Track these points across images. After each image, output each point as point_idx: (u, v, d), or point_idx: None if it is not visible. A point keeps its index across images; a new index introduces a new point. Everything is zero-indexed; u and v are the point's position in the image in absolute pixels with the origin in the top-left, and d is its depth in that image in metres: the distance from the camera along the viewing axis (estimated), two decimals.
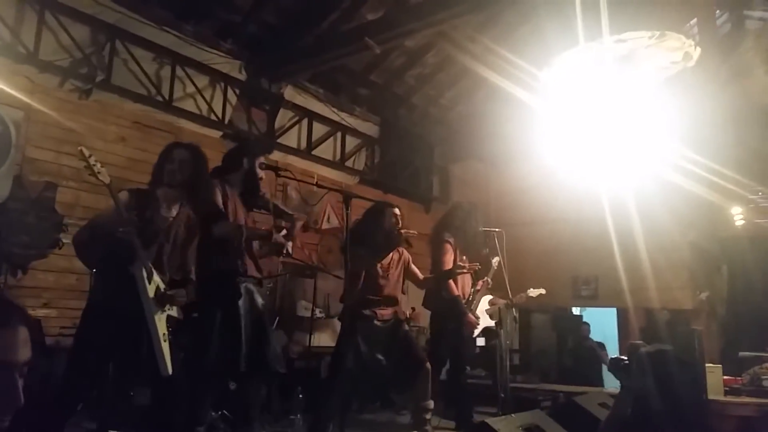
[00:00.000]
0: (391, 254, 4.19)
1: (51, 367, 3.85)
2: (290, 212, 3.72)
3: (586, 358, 7.97)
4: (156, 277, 2.82)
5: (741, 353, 5.43)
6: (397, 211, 4.18)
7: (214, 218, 3.20)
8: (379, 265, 4.10)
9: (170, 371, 2.73)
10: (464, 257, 4.87)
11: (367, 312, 3.98)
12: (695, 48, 4.55)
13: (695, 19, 6.18)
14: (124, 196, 2.89)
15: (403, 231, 4.13)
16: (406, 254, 4.37)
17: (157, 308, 2.77)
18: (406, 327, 4.18)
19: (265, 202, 3.55)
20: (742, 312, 6.88)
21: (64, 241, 4.72)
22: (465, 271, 4.58)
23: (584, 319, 8.78)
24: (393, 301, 4.14)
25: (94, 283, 2.96)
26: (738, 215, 6.63)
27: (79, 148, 2.65)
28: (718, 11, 6.57)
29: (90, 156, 2.63)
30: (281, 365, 3.35)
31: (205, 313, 3.18)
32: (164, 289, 2.84)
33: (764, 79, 5.94)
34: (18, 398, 3.42)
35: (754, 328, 6.61)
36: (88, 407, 3.52)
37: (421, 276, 4.51)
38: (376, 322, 4.01)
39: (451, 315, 4.66)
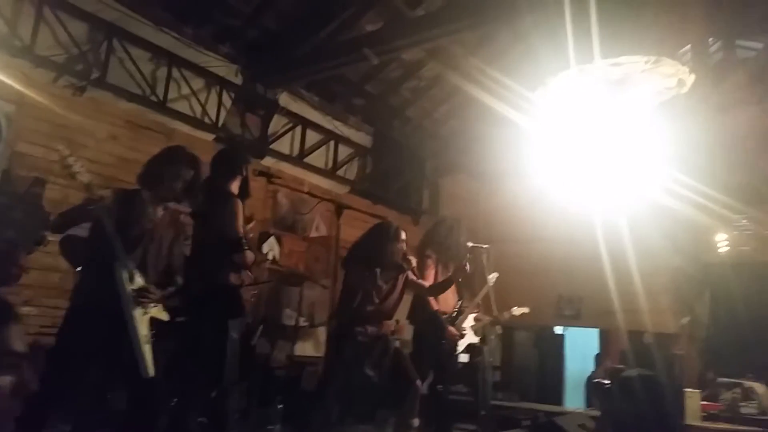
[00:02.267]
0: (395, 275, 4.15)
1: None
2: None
3: None
4: (139, 279, 2.79)
5: (719, 379, 5.49)
6: (403, 235, 4.15)
7: (237, 247, 3.18)
8: (376, 289, 4.04)
9: (152, 373, 2.70)
10: (447, 272, 4.89)
11: (359, 328, 3.93)
12: (689, 74, 4.61)
13: (689, 46, 6.27)
14: (109, 195, 2.87)
15: (411, 259, 4.11)
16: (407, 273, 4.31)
17: (139, 309, 2.74)
18: (397, 344, 4.15)
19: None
20: (723, 338, 6.95)
21: (50, 238, 4.67)
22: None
23: (566, 339, 8.81)
24: (387, 318, 4.12)
25: (78, 282, 2.92)
26: (723, 242, 6.71)
27: (58, 147, 2.62)
28: (711, 39, 6.67)
29: (69, 155, 2.61)
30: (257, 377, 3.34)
31: (198, 322, 3.15)
32: (146, 290, 2.81)
33: (753, 108, 6.04)
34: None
35: (734, 355, 6.67)
36: (64, 409, 3.47)
37: (424, 284, 4.48)
38: (366, 338, 3.96)
39: (431, 329, 4.67)
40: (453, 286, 4.89)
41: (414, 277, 4.34)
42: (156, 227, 2.97)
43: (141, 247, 2.89)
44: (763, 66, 6.29)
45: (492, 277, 4.99)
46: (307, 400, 4.68)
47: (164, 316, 2.96)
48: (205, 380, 3.08)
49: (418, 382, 4.05)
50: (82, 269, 2.96)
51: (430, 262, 4.73)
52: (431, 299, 4.63)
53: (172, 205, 3.06)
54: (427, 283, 4.62)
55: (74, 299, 2.87)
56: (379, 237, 4.08)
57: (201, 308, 3.19)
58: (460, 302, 4.91)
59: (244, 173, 3.43)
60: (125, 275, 2.71)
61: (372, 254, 3.96)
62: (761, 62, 6.31)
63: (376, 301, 4.02)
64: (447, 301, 4.83)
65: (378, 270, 3.95)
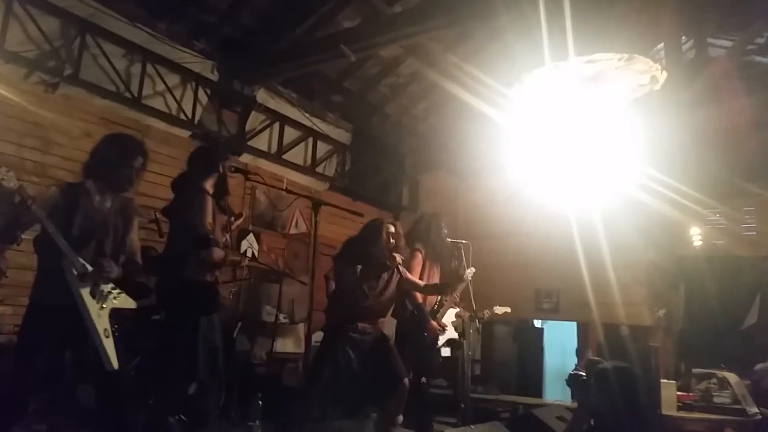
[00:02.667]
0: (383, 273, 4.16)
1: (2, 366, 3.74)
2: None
3: None
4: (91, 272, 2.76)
5: (694, 370, 5.60)
6: (392, 229, 4.16)
7: (204, 244, 3.15)
8: (368, 282, 4.06)
9: (116, 366, 2.68)
10: (435, 267, 4.93)
11: (351, 325, 3.96)
12: (662, 72, 4.69)
13: (662, 44, 6.37)
14: (53, 192, 2.84)
15: (396, 256, 4.11)
16: (400, 269, 4.30)
17: (94, 303, 2.72)
18: (389, 341, 4.16)
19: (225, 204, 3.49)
20: (698, 330, 7.09)
21: (23, 237, 4.59)
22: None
23: (545, 332, 8.91)
24: (379, 315, 4.14)
25: (35, 281, 2.87)
26: (696, 235, 6.84)
27: None
28: (684, 37, 6.79)
29: None
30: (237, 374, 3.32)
31: (170, 319, 3.13)
32: (101, 283, 2.79)
33: (724, 105, 6.15)
34: None
35: (707, 346, 6.81)
36: (39, 409, 3.43)
37: (419, 282, 4.50)
38: (358, 335, 3.98)
39: (414, 323, 4.70)
40: (436, 280, 4.94)
41: (409, 276, 4.36)
42: (108, 218, 2.93)
43: (94, 240, 2.84)
44: (733, 63, 6.41)
45: (469, 272, 5.03)
46: (289, 396, 4.69)
47: (130, 304, 2.92)
48: (178, 377, 3.05)
49: (406, 380, 4.06)
50: (37, 268, 2.90)
51: (419, 254, 4.78)
52: (417, 293, 4.67)
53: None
54: (415, 276, 4.65)
55: (31, 298, 2.83)
56: (369, 235, 4.09)
57: (173, 305, 3.17)
58: (439, 297, 4.96)
59: (222, 171, 3.39)
60: (74, 273, 2.68)
61: (360, 252, 3.97)
62: (732, 60, 6.42)
63: (368, 297, 4.02)
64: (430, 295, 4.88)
65: (365, 267, 3.96)
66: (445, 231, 5.03)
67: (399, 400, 4.01)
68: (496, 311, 5.37)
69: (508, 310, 5.55)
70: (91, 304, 2.71)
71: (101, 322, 2.72)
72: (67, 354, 2.81)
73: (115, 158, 2.95)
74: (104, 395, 2.84)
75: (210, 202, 3.22)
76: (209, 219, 3.18)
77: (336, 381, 3.81)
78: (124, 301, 2.90)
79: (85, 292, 2.71)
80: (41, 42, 4.85)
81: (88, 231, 2.82)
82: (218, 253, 3.19)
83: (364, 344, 3.98)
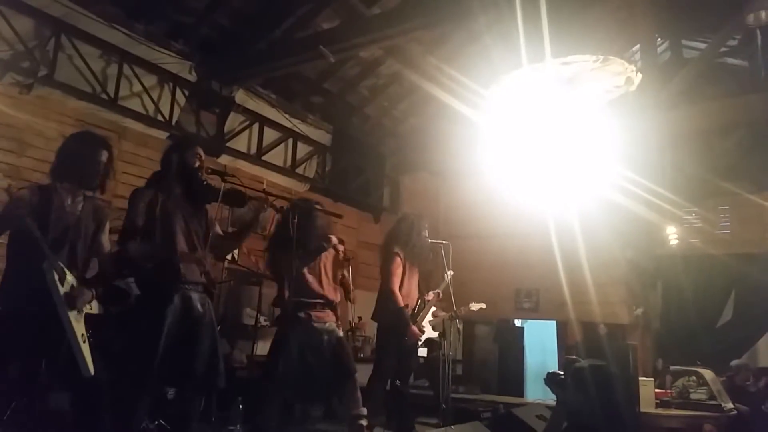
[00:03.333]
0: (320, 256, 4.10)
1: None
2: (257, 196, 3.38)
3: None
4: (69, 277, 2.73)
5: (672, 367, 5.68)
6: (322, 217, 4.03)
7: (125, 238, 3.07)
8: (307, 268, 3.99)
9: (92, 372, 2.65)
10: (414, 269, 4.93)
11: (301, 314, 3.89)
12: (637, 73, 4.75)
13: (638, 46, 6.46)
14: (24, 194, 2.77)
15: (332, 237, 4.05)
16: (332, 252, 4.21)
17: (72, 308, 2.68)
18: (340, 333, 4.08)
19: (214, 193, 3.27)
20: (675, 327, 7.20)
21: None
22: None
23: (525, 331, 8.97)
24: (329, 305, 4.06)
25: (3, 284, 2.79)
26: (673, 234, 6.94)
27: None
28: (659, 39, 6.89)
29: None
30: (218, 377, 3.21)
31: (139, 320, 3.08)
32: (78, 287, 2.75)
33: (699, 106, 6.25)
34: None
35: (683, 343, 6.92)
36: (16, 414, 3.37)
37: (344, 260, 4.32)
38: (312, 324, 3.92)
39: (396, 326, 4.70)
40: (415, 282, 4.94)
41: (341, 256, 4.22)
42: (80, 220, 2.89)
43: (68, 243, 2.81)
44: (707, 65, 6.52)
45: (448, 274, 5.06)
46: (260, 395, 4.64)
47: (95, 309, 2.88)
48: (150, 381, 3.00)
49: (356, 374, 4.04)
50: (6, 270, 2.82)
51: (398, 259, 4.76)
52: (397, 294, 4.66)
53: (89, 194, 2.98)
54: (395, 280, 4.65)
55: (2, 303, 2.75)
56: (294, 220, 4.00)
57: (143, 308, 3.13)
58: (419, 299, 4.97)
59: (177, 161, 3.28)
60: (55, 276, 2.64)
61: (286, 236, 3.78)
62: (705, 61, 6.53)
63: (311, 283, 3.96)
64: (411, 297, 4.88)
65: (298, 252, 3.81)
66: (426, 232, 5.04)
67: (351, 394, 3.97)
68: (472, 308, 5.38)
69: (483, 306, 5.56)
70: (69, 308, 2.68)
71: (79, 326, 2.69)
72: (42, 359, 2.76)
73: (79, 155, 2.91)
74: (80, 401, 2.80)
75: (140, 199, 3.12)
76: (135, 214, 3.06)
77: (290, 373, 3.75)
78: (95, 306, 2.88)
79: (64, 297, 2.66)
80: (15, 42, 4.77)
81: (61, 234, 2.78)
82: (135, 249, 3.08)
83: (316, 334, 3.92)
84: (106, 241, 3.08)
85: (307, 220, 3.85)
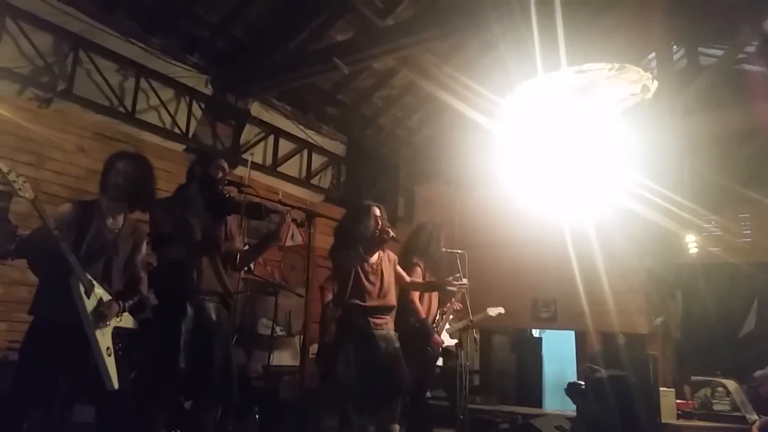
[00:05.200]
0: (378, 255, 3.94)
1: None
2: (277, 208, 3.41)
3: None
4: (98, 290, 2.76)
5: (693, 377, 5.58)
6: (377, 210, 3.96)
7: (160, 242, 3.13)
8: (366, 267, 3.84)
9: (116, 386, 2.67)
10: (433, 278, 4.89)
11: (361, 321, 3.74)
12: (653, 81, 4.72)
13: (653, 54, 6.42)
14: (66, 209, 2.84)
15: (387, 229, 3.89)
16: (392, 256, 4.11)
17: (99, 322, 2.71)
18: (398, 344, 3.89)
19: (235, 206, 3.33)
20: (696, 337, 7.08)
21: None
22: (452, 287, 4.43)
23: (543, 341, 8.88)
24: (388, 309, 3.91)
25: (37, 296, 2.84)
26: (692, 243, 6.84)
27: None
28: (675, 47, 6.84)
29: (9, 172, 2.55)
30: (231, 390, 3.20)
31: (155, 331, 3.11)
32: (107, 301, 2.78)
33: (716, 113, 6.18)
34: None
35: (704, 353, 6.80)
36: (35, 426, 3.40)
37: (407, 278, 4.29)
38: (372, 330, 3.75)
39: (417, 337, 4.66)
40: (436, 294, 4.88)
41: (400, 269, 4.17)
42: (118, 237, 2.95)
43: (103, 259, 2.85)
44: (724, 72, 6.45)
45: (463, 283, 5.02)
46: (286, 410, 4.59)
47: (129, 323, 2.92)
48: (167, 392, 3.01)
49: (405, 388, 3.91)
50: (40, 283, 2.90)
51: (418, 270, 4.71)
52: (418, 306, 4.63)
53: (129, 212, 3.03)
54: (415, 293, 4.58)
55: (34, 314, 2.81)
56: (352, 216, 3.96)
57: (161, 319, 3.14)
58: (439, 309, 4.94)
59: (198, 173, 3.33)
60: (81, 290, 2.67)
61: (349, 233, 3.80)
62: (722, 68, 6.47)
63: (370, 285, 3.81)
64: (431, 308, 4.83)
65: (360, 247, 3.79)
66: (443, 242, 5.01)
67: (395, 407, 3.80)
68: (490, 313, 5.31)
69: (502, 310, 5.49)
70: (97, 322, 2.71)
71: (104, 340, 2.73)
72: (67, 371, 2.78)
73: (126, 174, 2.94)
74: (103, 414, 2.82)
75: (164, 207, 3.17)
76: (161, 219, 3.12)
77: (350, 381, 3.62)
78: (125, 320, 2.91)
79: (90, 310, 2.69)
80: (34, 58, 4.86)
81: (97, 249, 2.83)
82: (171, 251, 3.12)
83: (376, 341, 3.74)
84: (142, 261, 3.13)
85: (362, 216, 3.83)
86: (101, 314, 2.74)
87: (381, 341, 3.77)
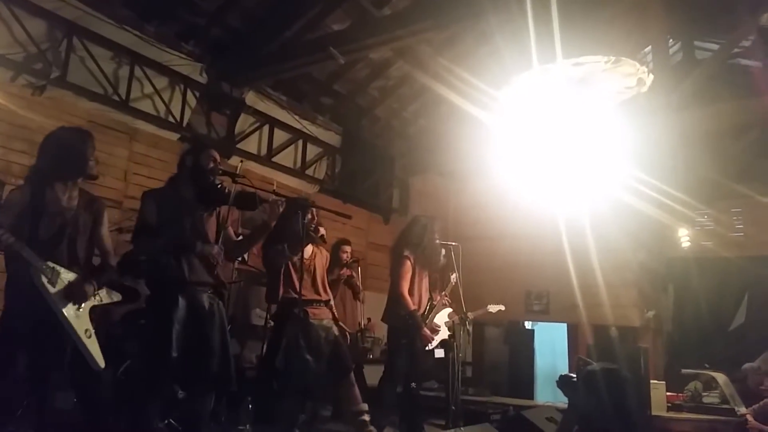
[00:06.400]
0: (310, 251, 4.15)
1: None
2: (267, 198, 3.41)
3: None
4: (65, 275, 2.74)
5: (683, 370, 5.63)
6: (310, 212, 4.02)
7: (138, 233, 3.12)
8: (297, 262, 3.90)
9: (103, 365, 2.68)
10: (424, 271, 4.92)
11: (296, 311, 3.82)
12: (648, 74, 4.72)
13: (649, 47, 6.42)
14: (14, 196, 2.80)
15: (319, 228, 4.12)
16: (325, 253, 4.36)
17: (72, 306, 2.70)
18: (336, 332, 4.14)
19: (224, 196, 3.31)
20: (687, 330, 7.13)
21: None
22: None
23: (536, 334, 8.93)
24: (323, 302, 4.15)
25: (6, 285, 2.81)
26: (685, 237, 6.88)
27: None
28: (671, 40, 6.84)
29: None
30: (228, 380, 3.22)
31: (147, 321, 3.11)
32: (77, 284, 2.76)
33: (711, 107, 6.20)
34: None
35: (695, 347, 6.86)
36: (27, 414, 3.39)
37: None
38: (310, 320, 3.97)
39: (407, 329, 4.69)
40: (426, 284, 4.93)
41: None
42: (77, 215, 2.90)
43: (66, 239, 2.81)
44: (719, 66, 6.46)
45: (453, 276, 5.06)
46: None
47: (108, 299, 2.91)
48: (161, 381, 3.02)
49: (352, 372, 4.11)
50: (7, 272, 2.84)
51: (408, 263, 4.75)
52: (407, 298, 4.66)
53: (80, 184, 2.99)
54: (404, 284, 4.65)
55: (5, 302, 2.79)
56: (284, 214, 4.01)
57: (152, 310, 3.14)
58: (430, 300, 4.96)
59: (190, 164, 3.31)
60: (44, 280, 2.65)
61: (280, 231, 3.79)
62: (718, 63, 6.47)
63: (301, 278, 3.84)
64: (421, 300, 4.88)
65: (286, 245, 3.88)
66: (437, 235, 5.03)
67: (349, 391, 4.06)
68: (490, 310, 5.40)
69: (502, 308, 5.58)
70: (66, 306, 2.69)
71: (80, 323, 2.70)
72: (42, 359, 2.76)
73: (67, 148, 2.92)
74: (84, 399, 2.81)
75: (152, 198, 3.16)
76: (148, 211, 3.12)
77: (288, 367, 3.77)
78: (104, 296, 2.88)
79: (59, 296, 2.67)
80: (28, 44, 4.82)
81: (57, 230, 2.79)
82: (146, 243, 3.12)
83: (313, 330, 3.96)
84: (106, 233, 3.10)
85: (299, 216, 3.78)
86: (74, 297, 2.72)
87: (321, 330, 4.04)
